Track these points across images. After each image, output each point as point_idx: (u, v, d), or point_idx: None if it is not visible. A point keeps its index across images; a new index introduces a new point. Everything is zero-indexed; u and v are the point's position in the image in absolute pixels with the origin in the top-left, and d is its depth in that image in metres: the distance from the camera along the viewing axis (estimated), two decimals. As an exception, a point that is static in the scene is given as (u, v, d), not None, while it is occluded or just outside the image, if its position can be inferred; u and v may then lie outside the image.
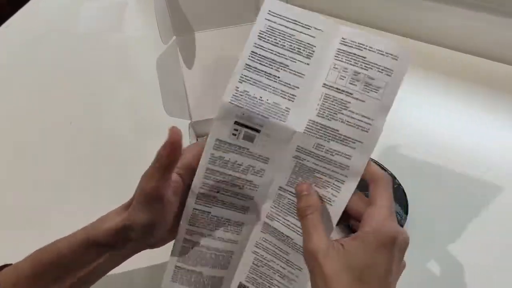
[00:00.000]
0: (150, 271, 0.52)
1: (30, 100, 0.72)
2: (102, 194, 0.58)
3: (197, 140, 0.59)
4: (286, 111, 0.37)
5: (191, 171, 0.40)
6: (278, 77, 0.37)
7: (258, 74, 0.37)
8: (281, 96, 0.37)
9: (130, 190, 0.39)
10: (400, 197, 0.55)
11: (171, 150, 0.36)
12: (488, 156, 0.60)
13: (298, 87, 0.37)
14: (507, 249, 0.53)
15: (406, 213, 0.54)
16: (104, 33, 0.82)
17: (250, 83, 0.37)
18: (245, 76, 0.37)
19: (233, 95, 0.37)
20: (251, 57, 0.37)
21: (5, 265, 0.43)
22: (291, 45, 0.37)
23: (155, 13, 0.51)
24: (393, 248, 0.34)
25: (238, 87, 0.37)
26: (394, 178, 0.57)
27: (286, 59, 0.37)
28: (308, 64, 0.37)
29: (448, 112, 0.66)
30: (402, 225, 0.53)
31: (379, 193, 0.37)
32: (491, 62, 0.72)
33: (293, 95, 0.37)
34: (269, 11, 0.37)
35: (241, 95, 0.37)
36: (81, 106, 0.71)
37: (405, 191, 0.56)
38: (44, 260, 0.42)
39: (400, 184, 0.56)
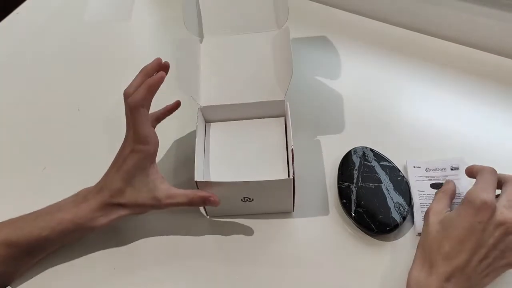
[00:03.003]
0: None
1: (39, 87, 0.73)
2: None
3: (205, 125, 0.59)
4: None
5: None
6: None
7: None
8: None
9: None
10: (404, 189, 0.55)
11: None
12: (492, 149, 0.60)
13: None
14: None
15: (409, 205, 0.54)
16: (112, 21, 0.83)
17: None
18: None
19: None
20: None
21: None
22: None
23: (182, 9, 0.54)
24: (472, 211, 0.43)
25: None
26: (398, 170, 0.57)
27: None
28: None
29: (456, 106, 0.66)
30: (405, 217, 0.53)
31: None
32: (497, 56, 0.71)
33: None
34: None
35: None
36: (89, 93, 0.71)
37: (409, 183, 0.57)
38: (21, 241, 0.47)
39: (404, 176, 0.57)
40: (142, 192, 0.49)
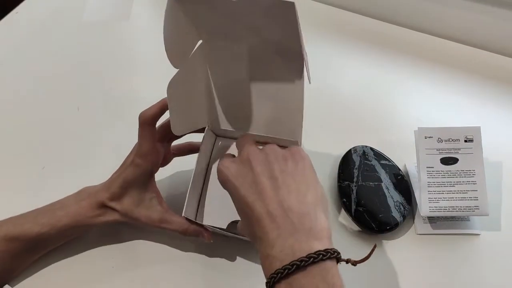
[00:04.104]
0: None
1: (38, 86, 0.73)
2: (105, 179, 0.58)
3: (215, 139, 0.57)
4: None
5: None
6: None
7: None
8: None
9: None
10: (405, 188, 0.55)
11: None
12: (496, 148, 0.60)
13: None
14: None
15: (410, 204, 0.54)
16: (112, 21, 0.83)
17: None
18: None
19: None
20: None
21: None
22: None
23: (164, 30, 0.44)
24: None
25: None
26: (398, 169, 0.57)
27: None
28: None
29: (457, 106, 0.66)
30: (405, 216, 0.53)
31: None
32: (498, 56, 0.72)
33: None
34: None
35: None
36: (89, 93, 0.71)
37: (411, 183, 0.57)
38: (21, 237, 0.47)
39: (404, 175, 0.57)
40: (139, 206, 0.49)
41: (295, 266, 0.33)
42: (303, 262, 0.33)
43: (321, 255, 0.33)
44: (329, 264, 0.34)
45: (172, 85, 0.45)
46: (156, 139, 0.49)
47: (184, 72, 0.47)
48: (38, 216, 0.49)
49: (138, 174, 0.49)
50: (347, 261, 0.37)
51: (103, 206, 0.49)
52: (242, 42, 0.47)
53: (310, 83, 0.45)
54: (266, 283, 0.35)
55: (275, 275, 0.33)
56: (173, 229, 0.49)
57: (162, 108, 0.49)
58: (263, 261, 0.36)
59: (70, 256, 0.53)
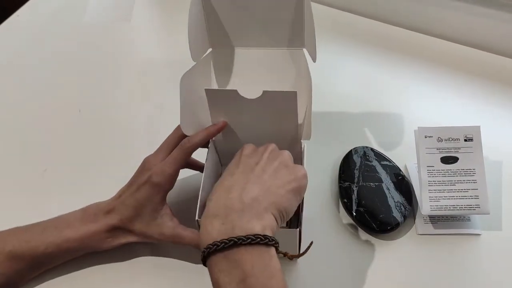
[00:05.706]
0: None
1: (39, 88, 0.73)
2: (106, 182, 0.56)
3: (217, 154, 0.55)
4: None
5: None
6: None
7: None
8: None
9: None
10: (405, 189, 0.55)
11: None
12: (496, 147, 0.60)
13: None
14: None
15: (410, 204, 0.54)
16: (113, 23, 0.83)
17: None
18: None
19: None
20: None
21: None
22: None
23: (188, 24, 0.45)
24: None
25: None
26: (399, 169, 0.57)
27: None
28: None
29: (458, 106, 0.67)
30: (406, 216, 0.53)
31: None
32: (497, 56, 0.72)
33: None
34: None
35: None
36: (90, 94, 0.71)
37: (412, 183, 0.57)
38: (26, 256, 0.47)
39: (404, 176, 0.57)
40: (151, 225, 0.48)
41: (232, 241, 0.35)
42: (241, 240, 0.35)
43: (259, 239, 0.35)
44: (266, 248, 0.36)
45: (185, 79, 0.45)
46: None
47: (199, 70, 0.46)
48: (44, 233, 0.47)
49: (154, 194, 0.47)
50: (284, 254, 0.38)
51: (115, 228, 0.48)
52: (251, 45, 0.48)
53: (314, 62, 0.46)
54: (202, 252, 0.37)
55: (211, 246, 0.35)
56: (186, 244, 0.48)
57: (208, 135, 0.48)
58: (203, 219, 0.38)
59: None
